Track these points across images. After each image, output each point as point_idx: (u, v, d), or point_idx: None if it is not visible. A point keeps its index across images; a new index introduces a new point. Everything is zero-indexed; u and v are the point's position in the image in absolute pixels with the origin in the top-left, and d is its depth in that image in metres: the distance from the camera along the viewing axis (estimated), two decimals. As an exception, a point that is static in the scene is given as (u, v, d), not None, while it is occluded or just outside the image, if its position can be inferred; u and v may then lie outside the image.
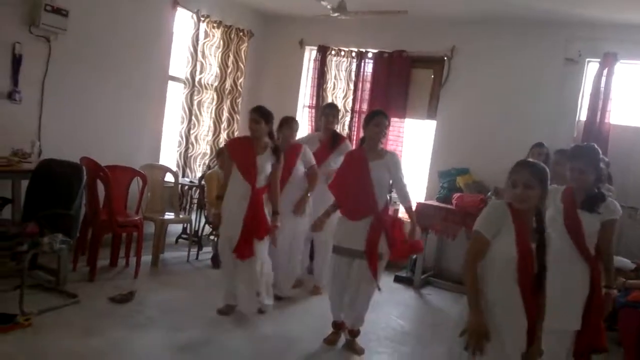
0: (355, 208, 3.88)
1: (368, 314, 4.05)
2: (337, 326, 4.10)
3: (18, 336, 3.44)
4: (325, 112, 5.34)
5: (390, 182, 4.01)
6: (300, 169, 4.85)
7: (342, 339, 4.11)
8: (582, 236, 3.06)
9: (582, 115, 5.88)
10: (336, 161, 5.08)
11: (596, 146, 3.24)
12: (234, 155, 4.27)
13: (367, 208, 3.82)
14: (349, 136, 6.95)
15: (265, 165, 4.22)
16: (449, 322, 3.61)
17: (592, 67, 5.86)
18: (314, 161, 4.92)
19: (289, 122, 4.91)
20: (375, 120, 3.89)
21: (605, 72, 5.64)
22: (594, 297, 3.06)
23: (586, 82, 5.90)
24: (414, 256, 6.06)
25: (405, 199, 3.98)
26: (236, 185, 4.19)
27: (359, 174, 3.84)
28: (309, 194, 4.87)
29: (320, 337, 4.07)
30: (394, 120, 6.37)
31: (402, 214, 6.28)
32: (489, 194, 5.67)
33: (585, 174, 3.09)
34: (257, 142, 4.24)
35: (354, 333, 4.06)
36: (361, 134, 6.79)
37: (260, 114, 4.19)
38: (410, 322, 5.00)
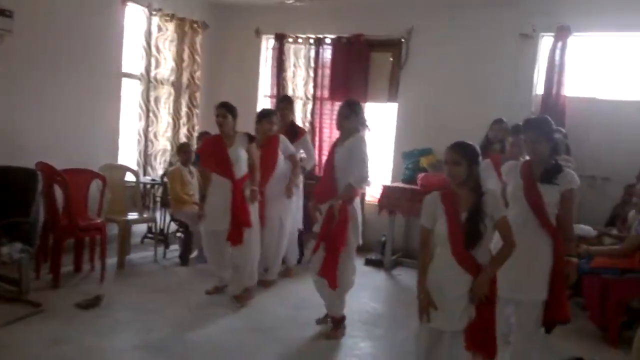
0: (318, 190, 4.00)
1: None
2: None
3: (-18, 351, 3.34)
4: (280, 106, 5.56)
5: None
6: (282, 160, 4.97)
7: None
8: (544, 209, 3.11)
9: (539, 89, 5.97)
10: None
11: (548, 117, 3.29)
12: (206, 161, 4.61)
13: (328, 192, 3.83)
14: (312, 123, 6.93)
15: (239, 153, 4.45)
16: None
17: (546, 41, 5.95)
18: (293, 149, 5.07)
19: (269, 116, 5.01)
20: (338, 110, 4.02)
21: (559, 45, 5.73)
22: (557, 268, 3.12)
23: (541, 56, 5.99)
24: (383, 239, 6.10)
25: (354, 182, 3.74)
26: (218, 182, 4.48)
27: (327, 158, 3.97)
28: (296, 181, 5.10)
29: (294, 324, 4.03)
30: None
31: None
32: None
33: (538, 143, 3.13)
34: (225, 136, 4.48)
35: (331, 320, 4.03)
36: (324, 121, 6.90)
37: (226, 109, 4.47)
38: (382, 304, 5.05)
